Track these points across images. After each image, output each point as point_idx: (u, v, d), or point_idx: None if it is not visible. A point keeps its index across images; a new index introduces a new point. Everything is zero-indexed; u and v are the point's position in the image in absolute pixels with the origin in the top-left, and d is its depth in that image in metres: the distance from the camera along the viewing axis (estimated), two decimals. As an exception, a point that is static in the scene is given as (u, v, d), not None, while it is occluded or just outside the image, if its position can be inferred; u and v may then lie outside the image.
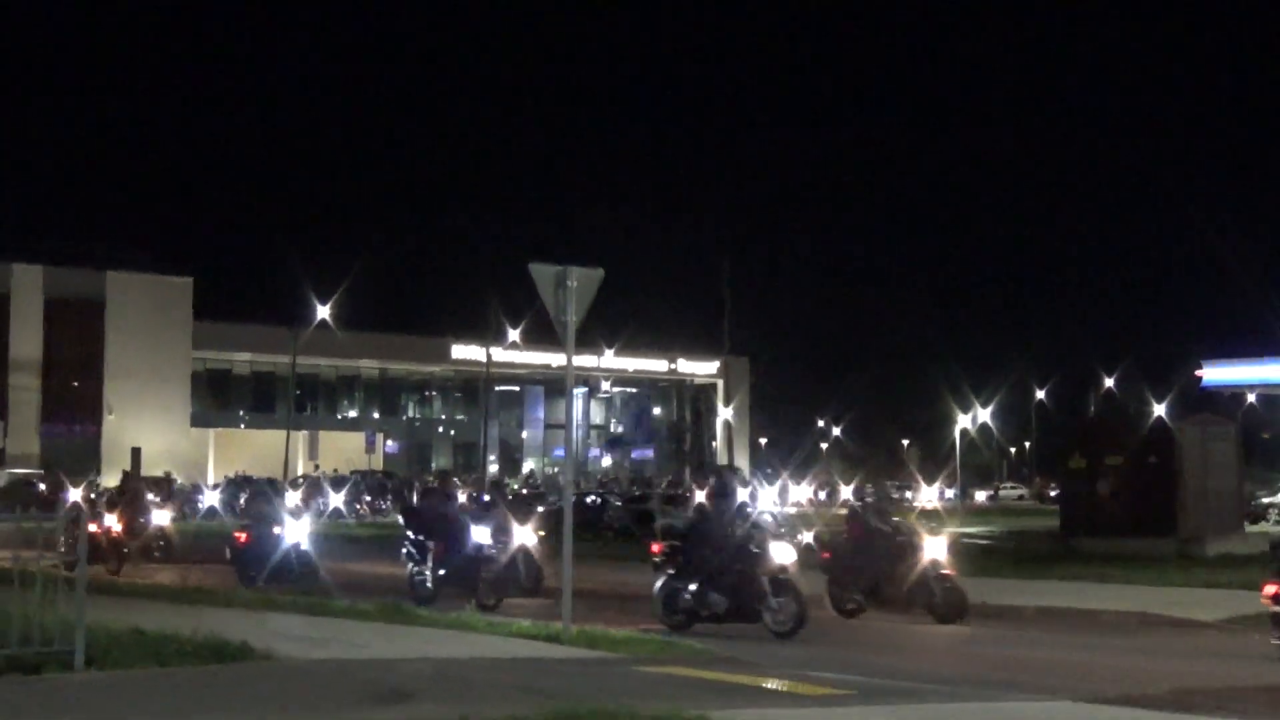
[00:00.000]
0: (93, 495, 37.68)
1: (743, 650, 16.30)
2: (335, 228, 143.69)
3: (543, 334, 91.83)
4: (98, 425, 79.55)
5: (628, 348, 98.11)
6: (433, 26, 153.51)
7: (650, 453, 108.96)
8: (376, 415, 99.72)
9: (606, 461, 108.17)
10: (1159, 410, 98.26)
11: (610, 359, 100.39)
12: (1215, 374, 55.47)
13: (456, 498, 25.51)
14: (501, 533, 23.42)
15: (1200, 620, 19.42)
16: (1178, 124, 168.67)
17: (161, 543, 32.56)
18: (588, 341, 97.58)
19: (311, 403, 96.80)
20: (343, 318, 78.43)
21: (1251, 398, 64.76)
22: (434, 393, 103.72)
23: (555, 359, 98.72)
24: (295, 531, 25.70)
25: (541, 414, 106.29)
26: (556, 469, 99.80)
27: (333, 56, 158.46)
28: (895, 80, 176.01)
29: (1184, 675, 14.53)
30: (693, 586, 18.66)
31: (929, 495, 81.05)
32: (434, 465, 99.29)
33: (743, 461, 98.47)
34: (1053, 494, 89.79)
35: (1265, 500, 50.31)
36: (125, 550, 30.56)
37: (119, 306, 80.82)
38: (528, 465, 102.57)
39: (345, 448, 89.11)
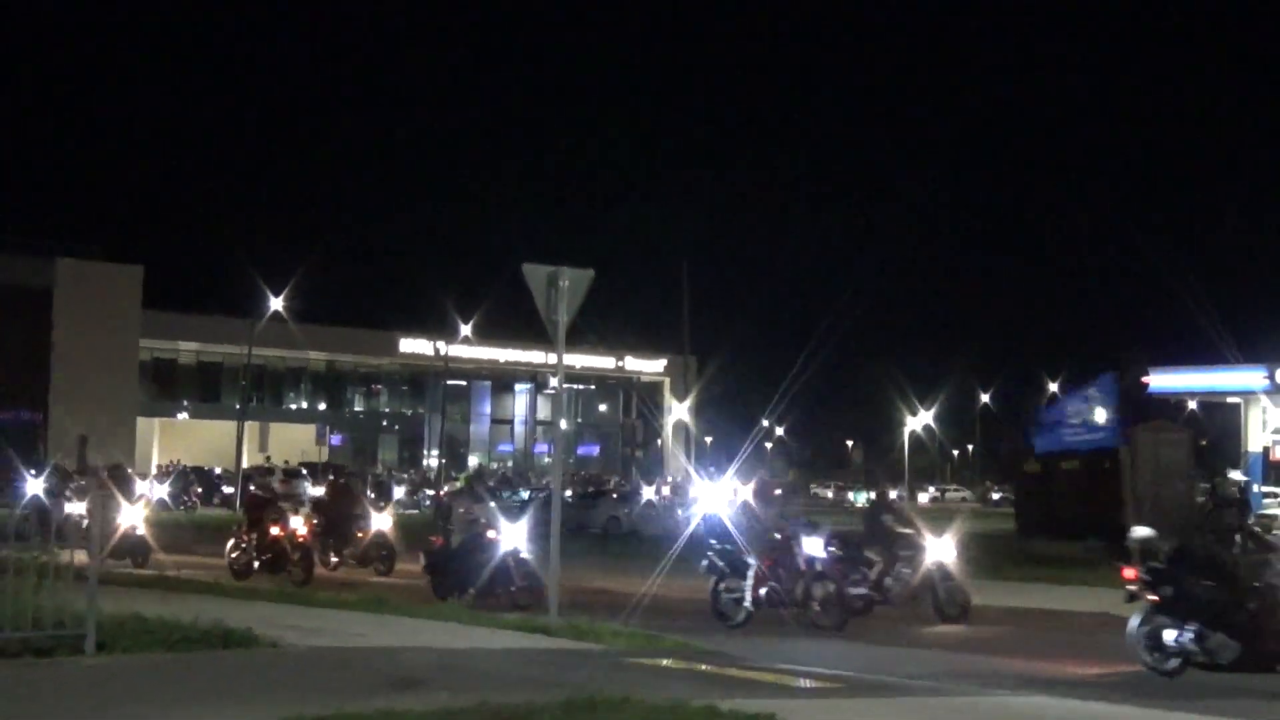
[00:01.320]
0: (54, 484, 35.68)
1: (725, 646, 16.74)
2: (285, 220, 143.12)
3: (491, 329, 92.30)
4: (44, 413, 79.06)
5: (576, 344, 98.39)
6: (380, 15, 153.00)
7: (596, 449, 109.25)
8: (323, 407, 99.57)
9: (548, 459, 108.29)
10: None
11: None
12: (1161, 380, 56.22)
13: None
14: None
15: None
16: (1116, 126, 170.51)
17: (384, 552, 28.42)
18: (535, 337, 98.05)
19: (257, 394, 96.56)
20: (291, 310, 78.32)
21: (1193, 404, 65.65)
22: (380, 386, 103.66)
23: (502, 354, 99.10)
24: (512, 537, 22.01)
25: (488, 409, 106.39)
26: (498, 465, 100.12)
27: (282, 47, 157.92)
28: (838, 83, 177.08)
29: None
30: (1190, 627, 14.96)
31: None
32: (380, 458, 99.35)
33: (689, 461, 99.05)
34: (996, 496, 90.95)
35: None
36: (315, 557, 26.92)
37: (67, 294, 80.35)
38: (472, 460, 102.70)
39: (292, 439, 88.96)
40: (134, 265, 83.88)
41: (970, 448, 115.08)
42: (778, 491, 22.79)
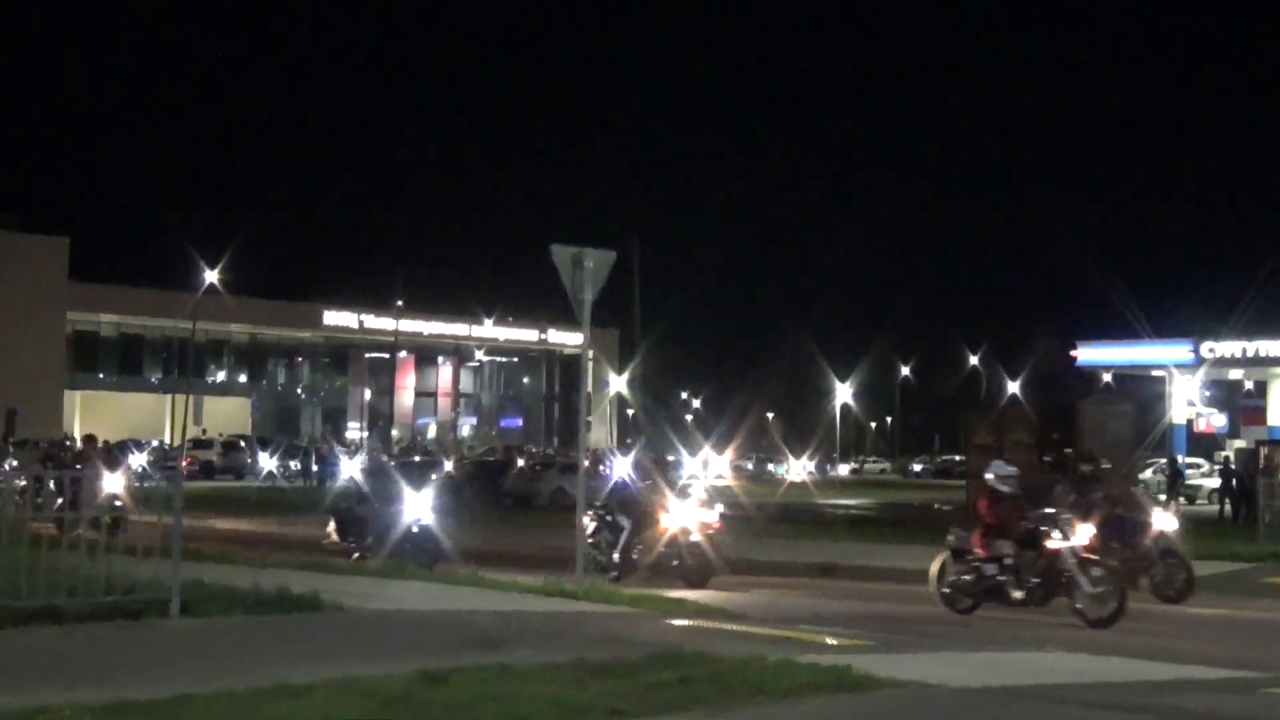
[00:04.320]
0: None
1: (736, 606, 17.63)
2: (207, 192, 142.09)
3: (415, 303, 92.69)
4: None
5: (500, 316, 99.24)
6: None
7: (519, 421, 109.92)
8: (243, 380, 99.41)
9: (466, 430, 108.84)
10: (1013, 388, 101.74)
11: (480, 328, 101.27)
12: (1088, 354, 57.95)
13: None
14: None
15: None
16: (1036, 104, 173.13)
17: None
18: (462, 310, 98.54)
19: (180, 367, 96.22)
20: (216, 283, 78.12)
21: (1107, 377, 67.44)
22: (303, 359, 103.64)
23: (426, 327, 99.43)
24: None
25: (411, 382, 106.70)
26: (420, 437, 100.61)
27: (202, 17, 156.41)
28: (750, 60, 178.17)
29: (1174, 631, 16.12)
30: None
31: (797, 468, 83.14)
32: (302, 431, 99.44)
33: (613, 433, 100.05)
34: (917, 468, 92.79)
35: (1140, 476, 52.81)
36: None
37: (-8, 265, 79.74)
38: (395, 433, 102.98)
39: (216, 412, 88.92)
40: (60, 237, 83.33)
41: (889, 420, 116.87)
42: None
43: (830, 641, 13.90)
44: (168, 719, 8.75)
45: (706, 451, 63.80)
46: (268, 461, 56.09)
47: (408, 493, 23.77)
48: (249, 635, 12.69)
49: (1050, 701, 10.59)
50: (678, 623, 15.06)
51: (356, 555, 23.19)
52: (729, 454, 74.69)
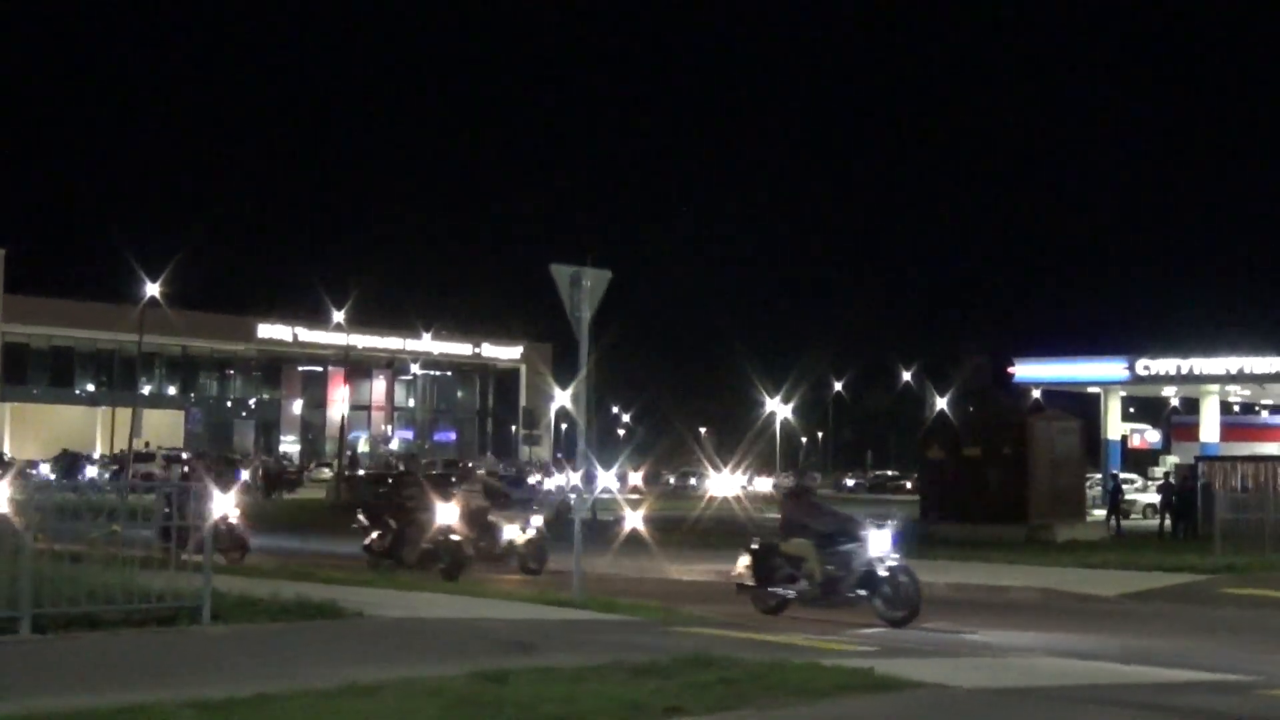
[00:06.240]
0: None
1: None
2: (145, 205, 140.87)
3: (349, 316, 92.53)
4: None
5: (434, 330, 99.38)
6: None
7: (452, 435, 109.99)
8: (171, 392, 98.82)
9: (395, 444, 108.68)
10: (941, 404, 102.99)
11: (415, 342, 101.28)
12: (1025, 370, 58.99)
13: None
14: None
15: (1101, 595, 21.73)
16: (974, 117, 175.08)
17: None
18: (396, 323, 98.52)
19: (108, 379, 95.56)
20: (151, 295, 77.51)
21: (1037, 393, 68.50)
22: (235, 371, 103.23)
23: (360, 340, 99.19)
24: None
25: (345, 395, 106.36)
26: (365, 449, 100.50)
27: (136, 28, 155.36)
28: (703, 92, 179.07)
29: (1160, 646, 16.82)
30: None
31: (731, 483, 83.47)
32: (234, 443, 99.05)
33: (548, 446, 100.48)
34: (850, 483, 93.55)
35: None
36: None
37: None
38: (328, 447, 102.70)
39: (149, 425, 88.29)
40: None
41: (820, 435, 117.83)
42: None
43: (835, 647, 14.49)
44: (260, 716, 9.14)
45: (622, 465, 64.33)
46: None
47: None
48: (286, 639, 13.11)
49: (1073, 701, 11.19)
50: (684, 630, 15.53)
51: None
52: (644, 468, 75.44)
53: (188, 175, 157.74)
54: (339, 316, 78.98)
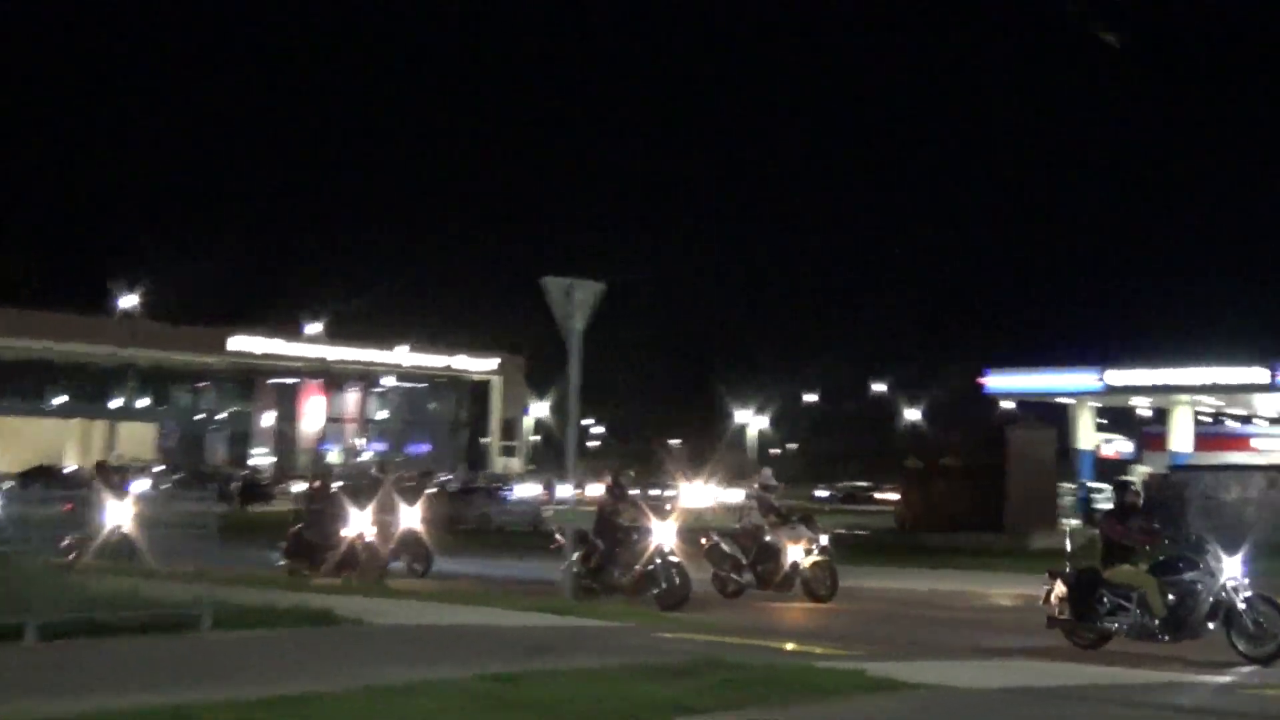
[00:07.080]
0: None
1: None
2: (116, 217, 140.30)
3: (323, 328, 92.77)
4: None
5: (410, 343, 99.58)
6: None
7: (426, 447, 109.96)
8: (140, 404, 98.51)
9: (367, 455, 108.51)
10: (911, 415, 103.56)
11: (387, 354, 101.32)
12: (997, 381, 59.33)
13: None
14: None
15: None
16: (950, 125, 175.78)
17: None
18: (370, 336, 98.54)
19: (80, 392, 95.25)
20: (123, 306, 77.48)
21: (1009, 404, 68.85)
22: (207, 384, 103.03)
23: (333, 352, 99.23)
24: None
25: (318, 407, 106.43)
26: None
27: (110, 40, 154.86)
28: (685, 107, 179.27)
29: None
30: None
31: (703, 495, 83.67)
32: (206, 456, 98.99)
33: (520, 458, 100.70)
34: (824, 494, 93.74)
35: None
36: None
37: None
38: (302, 458, 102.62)
39: (121, 438, 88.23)
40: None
41: (793, 446, 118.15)
42: None
43: (818, 650, 14.73)
44: (306, 714, 9.35)
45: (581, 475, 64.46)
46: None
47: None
48: (290, 645, 13.30)
49: (1071, 700, 11.49)
50: (670, 635, 15.73)
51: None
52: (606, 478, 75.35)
53: (159, 188, 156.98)
54: (311, 329, 78.67)
